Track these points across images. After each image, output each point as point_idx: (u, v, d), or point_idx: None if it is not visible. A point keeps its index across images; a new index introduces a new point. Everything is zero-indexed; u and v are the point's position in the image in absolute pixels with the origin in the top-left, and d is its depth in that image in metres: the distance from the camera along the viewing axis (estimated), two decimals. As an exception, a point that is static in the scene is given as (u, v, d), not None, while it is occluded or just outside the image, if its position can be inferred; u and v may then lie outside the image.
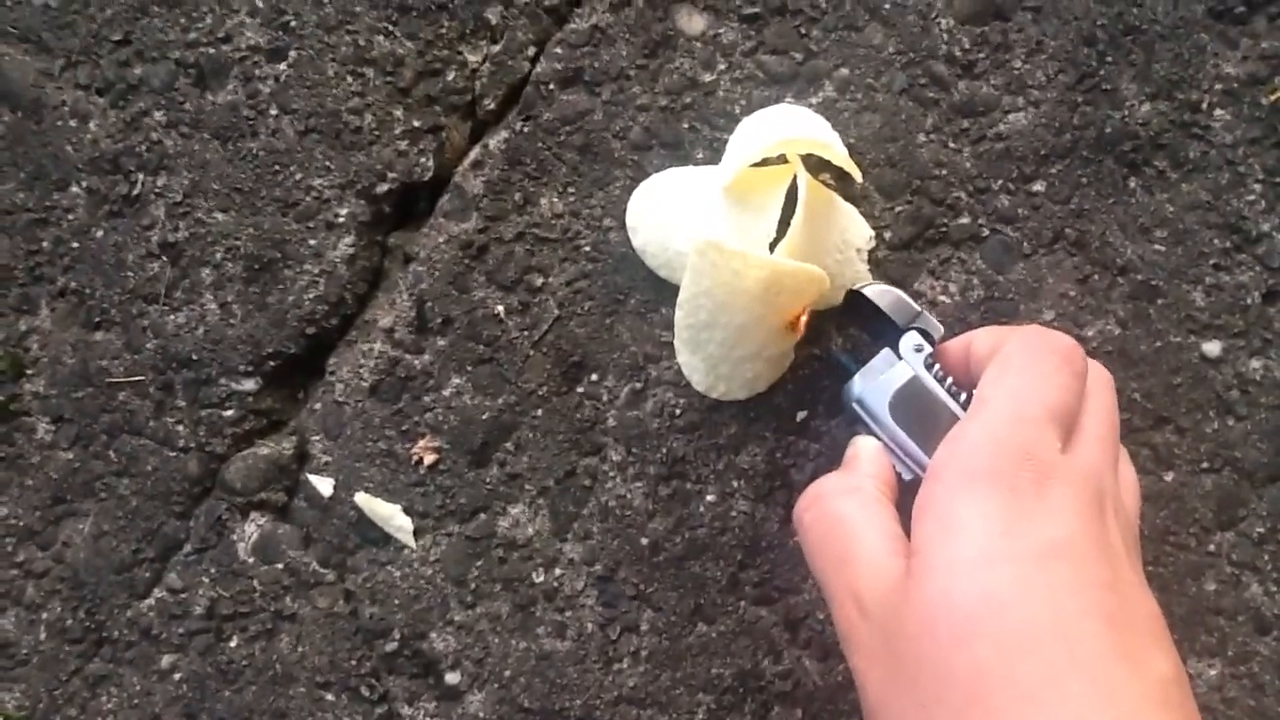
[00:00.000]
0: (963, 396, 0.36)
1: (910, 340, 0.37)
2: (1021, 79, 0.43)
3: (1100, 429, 0.33)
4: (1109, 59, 0.43)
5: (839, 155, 0.40)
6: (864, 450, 0.36)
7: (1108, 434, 0.34)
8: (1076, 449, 0.32)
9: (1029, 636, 0.28)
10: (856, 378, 0.37)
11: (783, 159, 0.41)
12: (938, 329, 0.38)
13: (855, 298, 0.39)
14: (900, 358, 0.37)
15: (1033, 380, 0.32)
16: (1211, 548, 0.42)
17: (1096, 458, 0.32)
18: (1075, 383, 0.33)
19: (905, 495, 0.35)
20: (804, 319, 0.40)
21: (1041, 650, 0.27)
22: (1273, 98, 0.43)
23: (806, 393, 0.43)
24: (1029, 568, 0.28)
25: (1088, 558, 0.29)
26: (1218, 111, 0.43)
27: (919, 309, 0.38)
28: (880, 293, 0.38)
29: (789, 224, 0.39)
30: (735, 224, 0.41)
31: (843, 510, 0.34)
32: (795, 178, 0.40)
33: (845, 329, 0.43)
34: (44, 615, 0.46)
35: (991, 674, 0.27)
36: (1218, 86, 0.43)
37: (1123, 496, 0.33)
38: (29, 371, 0.46)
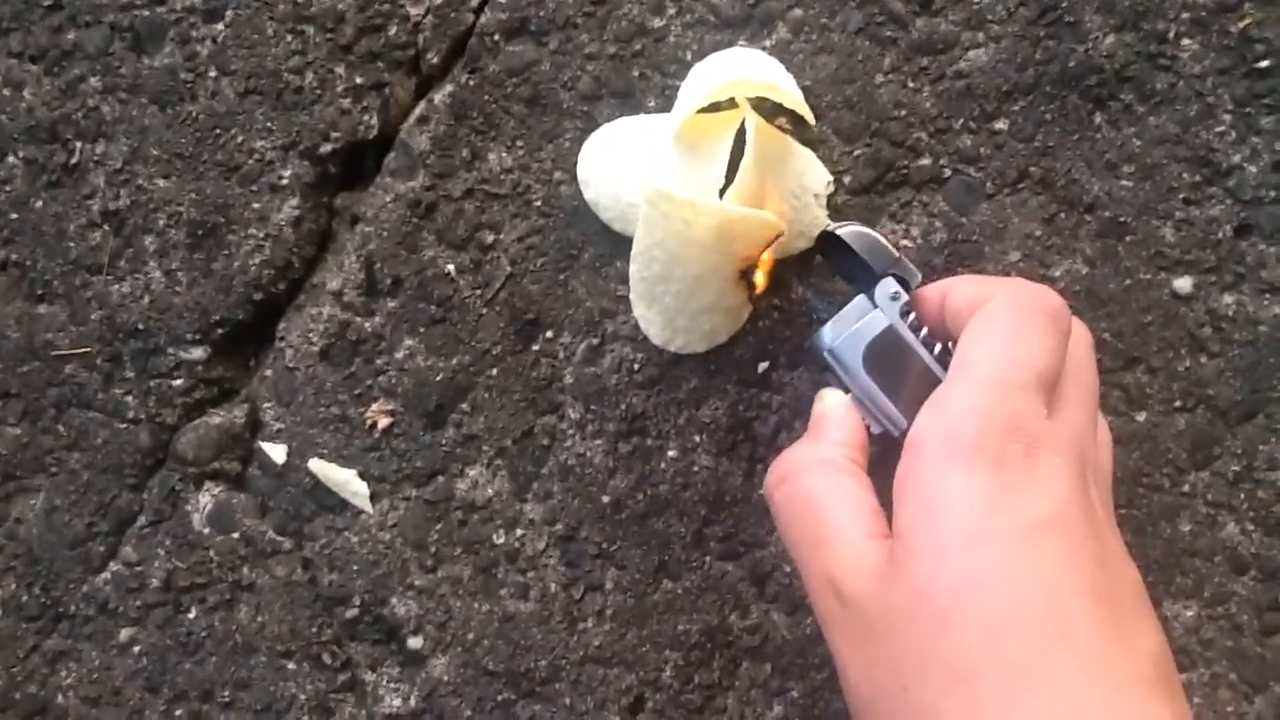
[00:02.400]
0: (937, 348, 0.34)
1: (886, 287, 0.35)
2: (981, 14, 0.42)
3: (1082, 392, 0.32)
4: (1071, -11, 0.42)
5: (789, 97, 0.39)
6: (831, 410, 0.35)
7: (1089, 397, 0.32)
8: (1060, 414, 0.31)
9: (1017, 614, 0.27)
10: (828, 325, 0.35)
11: (733, 103, 0.40)
12: (915, 275, 0.36)
13: (829, 239, 0.36)
14: (875, 305, 0.35)
15: (1020, 343, 0.31)
16: (1186, 488, 0.42)
17: (1079, 422, 0.31)
18: (1063, 344, 0.32)
19: (874, 448, 0.34)
20: (766, 270, 0.39)
21: (1031, 628, 0.27)
22: (1242, 25, 0.41)
23: (768, 344, 0.42)
24: (1016, 544, 0.28)
25: (1076, 531, 0.28)
26: (1185, 41, 0.41)
27: (897, 254, 0.36)
28: (856, 235, 0.36)
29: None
30: (686, 172, 0.40)
31: (813, 487, 0.32)
32: (744, 122, 0.39)
33: (808, 277, 0.42)
34: (-1, 593, 0.45)
35: (977, 654, 0.27)
36: (1185, 15, 0.41)
37: (1099, 459, 0.32)
38: (-26, 347, 0.45)
